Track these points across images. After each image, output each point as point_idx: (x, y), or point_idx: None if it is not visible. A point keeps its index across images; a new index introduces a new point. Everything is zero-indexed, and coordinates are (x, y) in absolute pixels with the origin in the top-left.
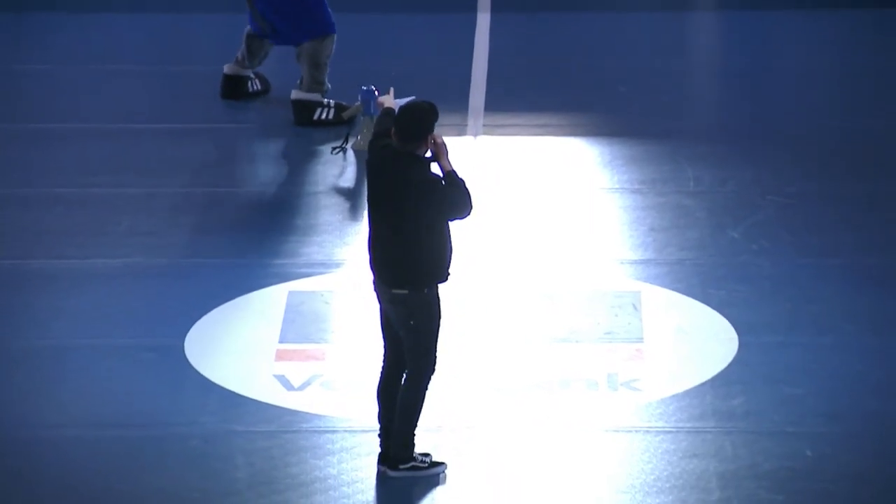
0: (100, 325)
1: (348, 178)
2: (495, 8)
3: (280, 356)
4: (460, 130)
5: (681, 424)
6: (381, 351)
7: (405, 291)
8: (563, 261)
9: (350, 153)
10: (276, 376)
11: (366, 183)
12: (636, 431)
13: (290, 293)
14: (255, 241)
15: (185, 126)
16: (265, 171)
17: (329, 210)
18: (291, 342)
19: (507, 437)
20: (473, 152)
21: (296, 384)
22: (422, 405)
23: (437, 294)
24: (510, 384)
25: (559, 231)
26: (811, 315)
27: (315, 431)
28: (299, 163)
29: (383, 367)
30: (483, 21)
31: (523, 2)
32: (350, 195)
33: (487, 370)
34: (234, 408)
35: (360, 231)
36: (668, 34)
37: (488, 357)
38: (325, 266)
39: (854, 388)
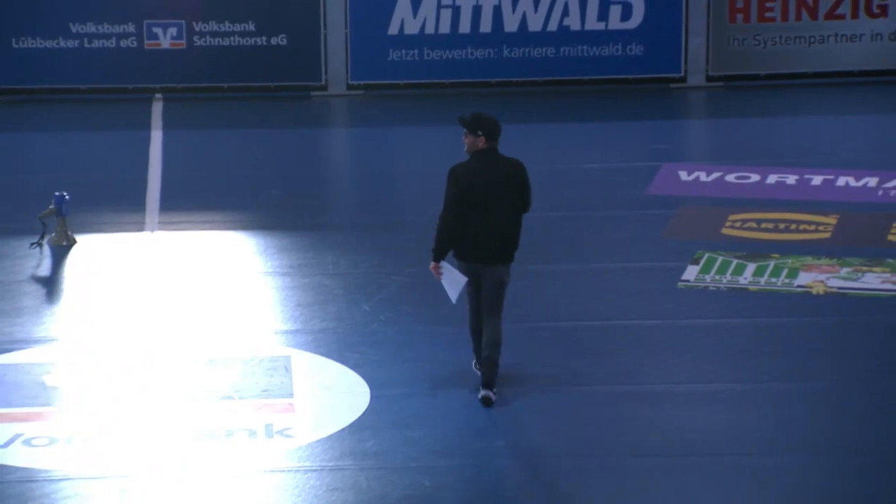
0: None
1: (45, 269)
2: (167, 126)
3: None
4: (139, 227)
5: (325, 464)
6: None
7: (508, 265)
8: (227, 332)
9: (46, 248)
10: None
11: (464, 190)
12: (289, 471)
13: None
14: None
15: None
16: None
17: (28, 296)
18: None
19: (180, 481)
20: (151, 244)
21: (0, 442)
22: None
23: None
24: (184, 434)
25: (224, 308)
26: (427, 372)
27: (18, 482)
28: (1, 256)
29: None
30: (157, 137)
31: (192, 121)
32: (46, 283)
33: (164, 422)
34: None
35: (56, 312)
36: (311, 146)
37: (165, 411)
38: (26, 343)
39: (462, 430)
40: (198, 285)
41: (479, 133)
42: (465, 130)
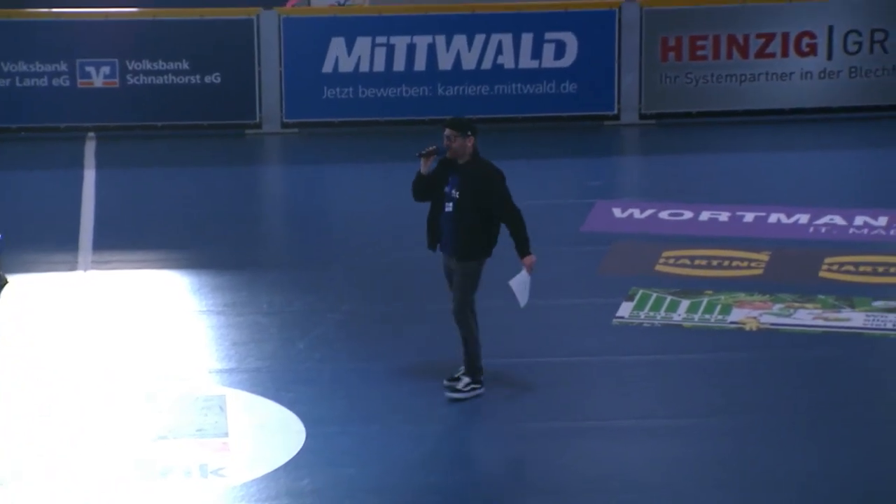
0: None
1: None
2: (100, 165)
3: None
4: (72, 266)
5: (260, 503)
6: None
7: None
8: (161, 371)
9: None
10: None
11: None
12: None
13: None
14: None
15: None
16: None
17: None
18: None
19: None
20: (84, 284)
21: None
22: None
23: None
24: (117, 474)
25: (158, 347)
26: (362, 408)
27: None
28: None
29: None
30: (90, 176)
31: (125, 160)
32: None
33: (98, 463)
34: None
35: None
36: (246, 185)
37: (98, 451)
38: None
39: (399, 465)
40: (131, 324)
41: (469, 133)
42: (450, 135)
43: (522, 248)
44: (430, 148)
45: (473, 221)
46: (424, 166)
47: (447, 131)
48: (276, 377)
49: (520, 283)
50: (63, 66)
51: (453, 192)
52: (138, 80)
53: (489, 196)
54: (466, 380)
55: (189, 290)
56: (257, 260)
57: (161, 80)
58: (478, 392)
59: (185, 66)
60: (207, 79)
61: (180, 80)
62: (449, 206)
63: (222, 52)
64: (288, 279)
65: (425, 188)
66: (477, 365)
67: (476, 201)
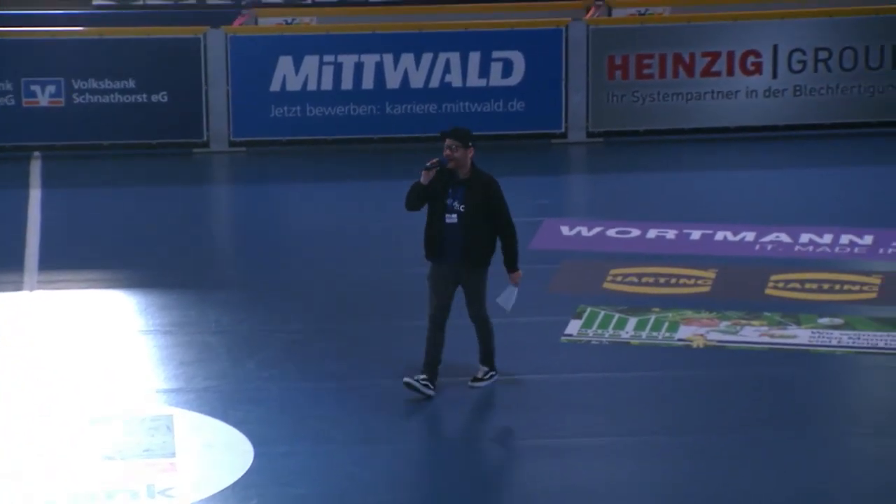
0: None
1: None
2: (46, 185)
3: None
4: (17, 286)
5: None
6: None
7: None
8: (109, 391)
9: None
10: None
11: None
12: None
13: None
14: None
15: None
16: None
17: None
18: None
19: None
20: (30, 304)
21: None
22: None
23: (433, 267)
24: (63, 496)
25: (105, 367)
26: (312, 428)
27: None
28: None
29: None
30: (35, 195)
31: (72, 179)
32: None
33: (44, 484)
34: None
35: None
36: (193, 204)
37: (44, 472)
38: None
39: (348, 485)
40: (78, 344)
41: (470, 144)
42: (451, 145)
43: (513, 261)
44: (433, 160)
45: (482, 230)
46: (426, 178)
47: (448, 142)
48: (224, 397)
49: (507, 297)
50: (8, 86)
51: (456, 204)
52: (84, 99)
53: (490, 204)
54: (485, 368)
55: (136, 310)
56: (205, 279)
57: (107, 99)
58: (495, 377)
59: (132, 84)
60: (154, 98)
61: (127, 98)
62: (452, 218)
63: (169, 71)
64: (236, 298)
65: (424, 199)
66: (493, 355)
67: (482, 212)
